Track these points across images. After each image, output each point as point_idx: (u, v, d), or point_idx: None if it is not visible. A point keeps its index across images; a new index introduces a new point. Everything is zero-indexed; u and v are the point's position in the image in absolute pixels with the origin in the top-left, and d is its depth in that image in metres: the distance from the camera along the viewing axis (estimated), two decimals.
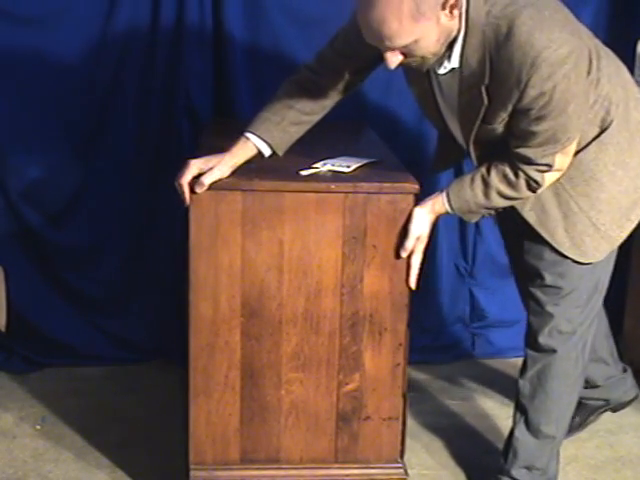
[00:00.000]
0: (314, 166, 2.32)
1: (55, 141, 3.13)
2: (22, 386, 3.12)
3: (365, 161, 2.39)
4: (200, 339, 2.30)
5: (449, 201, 2.25)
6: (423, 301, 3.32)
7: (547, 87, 2.02)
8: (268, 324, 2.28)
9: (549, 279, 2.37)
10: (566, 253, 2.31)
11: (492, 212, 2.30)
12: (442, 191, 2.27)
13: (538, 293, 2.40)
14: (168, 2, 3.05)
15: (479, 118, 2.15)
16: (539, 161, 2.14)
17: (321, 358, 2.32)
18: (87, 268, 3.26)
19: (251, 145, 2.30)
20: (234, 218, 2.22)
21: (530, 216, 2.31)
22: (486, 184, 2.21)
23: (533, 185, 2.19)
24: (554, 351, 2.42)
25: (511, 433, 2.54)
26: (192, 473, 2.38)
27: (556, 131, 2.10)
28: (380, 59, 2.12)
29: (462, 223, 3.36)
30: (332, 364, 2.32)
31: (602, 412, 2.88)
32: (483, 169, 2.22)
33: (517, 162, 2.17)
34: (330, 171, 2.31)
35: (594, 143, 2.24)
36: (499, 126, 2.15)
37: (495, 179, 2.20)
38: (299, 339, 2.30)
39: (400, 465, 2.45)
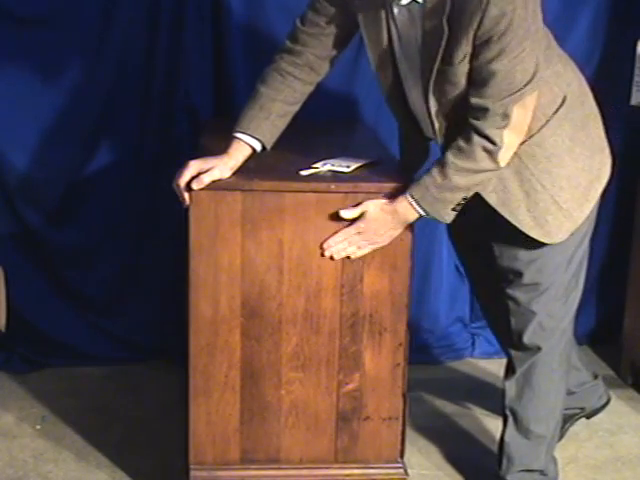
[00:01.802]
0: (314, 166, 2.32)
1: (55, 141, 3.13)
2: (22, 386, 3.12)
3: (364, 161, 2.38)
4: (200, 339, 2.29)
5: (411, 195, 2.18)
6: (423, 301, 3.32)
7: (508, 8, 2.00)
8: (268, 324, 2.28)
9: (527, 277, 2.36)
10: (529, 233, 2.27)
11: (462, 201, 2.19)
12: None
13: (517, 293, 2.39)
14: (168, 2, 3.05)
15: (440, 53, 2.10)
16: (497, 110, 2.08)
17: (321, 358, 2.31)
18: (87, 268, 3.26)
19: (244, 145, 2.30)
20: (234, 218, 2.21)
21: (491, 197, 2.26)
22: (442, 164, 2.15)
23: (489, 147, 2.10)
24: (539, 348, 2.42)
25: (502, 439, 2.53)
26: (192, 473, 2.37)
27: (515, 71, 2.05)
28: (351, 25, 2.25)
29: None
30: (332, 364, 2.32)
31: (577, 419, 2.86)
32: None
33: (472, 121, 2.11)
34: (330, 171, 2.30)
35: (553, 118, 2.22)
36: (459, 67, 2.10)
37: (449, 155, 2.14)
38: (299, 339, 2.29)
39: (400, 465, 2.45)
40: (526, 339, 2.42)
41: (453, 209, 2.20)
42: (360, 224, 2.21)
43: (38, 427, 2.88)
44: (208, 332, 2.28)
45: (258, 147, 2.32)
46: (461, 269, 3.41)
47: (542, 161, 2.24)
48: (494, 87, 2.08)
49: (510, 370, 2.50)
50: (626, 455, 2.82)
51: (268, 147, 2.33)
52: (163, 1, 3.04)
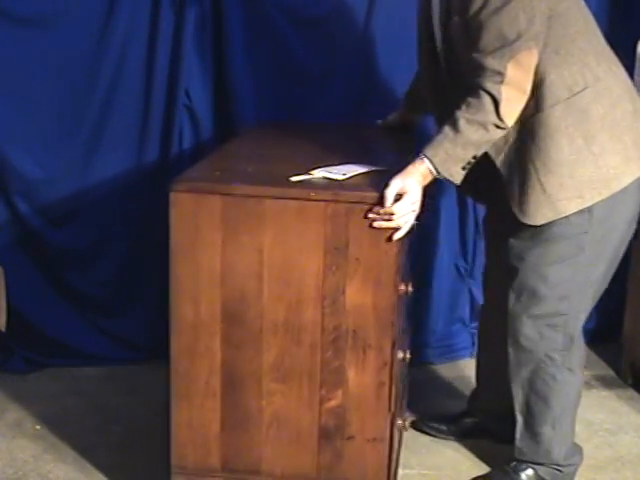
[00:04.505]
0: (310, 172, 2.26)
1: (55, 141, 3.13)
2: (22, 386, 3.13)
3: (366, 169, 2.31)
4: (181, 341, 2.27)
5: (424, 154, 2.19)
6: (423, 301, 3.32)
7: None
8: (248, 332, 2.23)
9: (530, 281, 2.36)
10: (512, 206, 2.30)
11: (471, 160, 2.21)
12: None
13: (517, 292, 2.40)
14: (168, 2, 3.05)
15: (440, 10, 2.26)
16: (490, 66, 2.15)
17: (302, 370, 2.24)
18: (87, 268, 3.26)
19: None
20: (214, 221, 2.17)
21: (502, 169, 2.31)
22: (453, 120, 2.19)
23: (491, 100, 2.16)
24: (535, 351, 2.42)
25: (513, 430, 2.55)
26: (173, 477, 2.35)
27: (502, 24, 2.14)
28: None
29: (462, 223, 3.35)
30: (314, 378, 2.25)
31: None
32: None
33: (475, 78, 2.18)
34: (325, 178, 2.23)
35: (565, 103, 2.24)
36: (458, 17, 2.21)
37: (458, 112, 2.19)
38: (279, 349, 2.23)
39: None
40: (523, 340, 2.43)
41: (463, 167, 2.21)
42: (410, 197, 2.14)
43: (38, 427, 2.88)
44: (189, 335, 2.26)
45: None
46: (461, 269, 3.42)
47: (539, 140, 2.25)
48: (484, 39, 2.16)
49: (512, 371, 2.49)
50: (626, 455, 2.82)
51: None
52: (163, 1, 3.04)
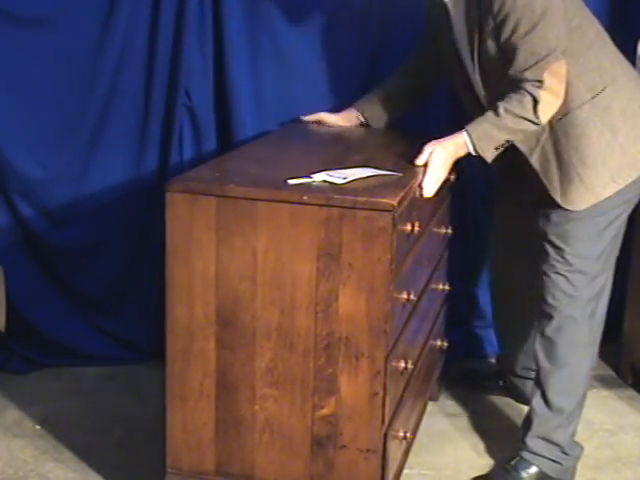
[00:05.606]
0: (312, 175, 2.23)
1: (55, 140, 3.13)
2: (22, 386, 3.13)
3: (373, 173, 2.28)
4: (177, 342, 2.25)
5: (466, 129, 2.45)
6: None
7: None
8: (242, 335, 2.21)
9: (554, 239, 2.55)
10: (557, 199, 2.53)
11: (505, 143, 2.47)
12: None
13: (548, 257, 2.57)
14: (168, 2, 3.05)
15: (476, 32, 2.48)
16: (530, 77, 2.41)
17: (295, 377, 2.22)
18: (87, 268, 3.26)
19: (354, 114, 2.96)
20: (208, 223, 2.16)
21: (536, 164, 2.56)
22: (495, 108, 2.45)
23: (531, 101, 2.42)
24: (560, 312, 2.56)
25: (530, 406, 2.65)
26: (168, 477, 2.33)
27: (534, 43, 2.39)
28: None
29: (462, 222, 3.35)
30: (307, 384, 2.21)
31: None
32: None
33: (515, 84, 2.44)
34: (325, 181, 2.21)
35: (589, 103, 2.50)
36: (490, 41, 2.46)
37: (501, 103, 2.45)
38: (273, 354, 2.21)
39: None
40: (549, 298, 2.57)
41: (496, 148, 2.48)
42: (434, 161, 2.40)
43: (38, 427, 2.88)
44: (184, 336, 2.24)
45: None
46: (461, 269, 3.41)
47: (573, 139, 2.51)
48: (520, 58, 2.42)
49: (538, 339, 2.62)
50: (626, 455, 2.82)
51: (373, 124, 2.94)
52: (163, 1, 3.04)
